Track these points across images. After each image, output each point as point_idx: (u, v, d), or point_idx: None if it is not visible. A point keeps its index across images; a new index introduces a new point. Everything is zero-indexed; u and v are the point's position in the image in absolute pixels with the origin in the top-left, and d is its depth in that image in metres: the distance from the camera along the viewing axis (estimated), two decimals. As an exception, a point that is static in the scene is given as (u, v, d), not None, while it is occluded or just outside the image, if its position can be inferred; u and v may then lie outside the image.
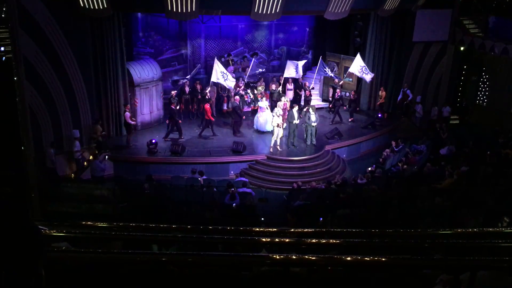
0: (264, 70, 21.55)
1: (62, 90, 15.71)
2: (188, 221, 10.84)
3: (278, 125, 16.85)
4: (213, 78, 17.81)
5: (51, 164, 15.16)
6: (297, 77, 19.87)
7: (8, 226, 2.75)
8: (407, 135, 19.32)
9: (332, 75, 19.86)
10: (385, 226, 7.93)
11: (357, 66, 18.77)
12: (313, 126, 17.53)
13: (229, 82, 17.91)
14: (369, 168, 16.13)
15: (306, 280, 4.08)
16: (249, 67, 20.84)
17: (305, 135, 17.80)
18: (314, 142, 17.79)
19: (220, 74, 17.56)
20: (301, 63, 19.66)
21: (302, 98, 20.01)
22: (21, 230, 2.79)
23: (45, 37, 14.93)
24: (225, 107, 19.77)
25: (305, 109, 18.05)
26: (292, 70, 19.37)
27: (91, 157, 16.32)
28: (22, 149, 11.51)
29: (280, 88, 19.74)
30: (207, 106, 17.82)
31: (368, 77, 18.97)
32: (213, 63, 20.49)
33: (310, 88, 19.82)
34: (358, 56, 19.03)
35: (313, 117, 17.40)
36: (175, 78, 20.51)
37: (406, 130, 20.27)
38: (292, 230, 6.51)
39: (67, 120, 16.11)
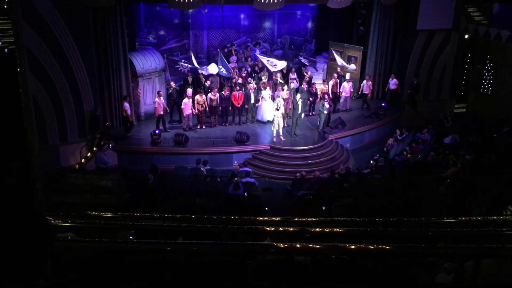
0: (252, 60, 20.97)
1: (65, 81, 15.71)
2: (192, 211, 10.90)
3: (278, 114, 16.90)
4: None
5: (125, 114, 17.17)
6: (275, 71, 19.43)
7: (15, 217, 2.77)
8: (411, 124, 19.26)
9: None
10: (389, 215, 7.93)
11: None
12: (325, 113, 17.78)
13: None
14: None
15: (311, 268, 4.10)
16: (250, 57, 20.73)
17: (318, 122, 18.19)
18: (323, 128, 18.03)
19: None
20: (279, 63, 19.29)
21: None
22: (27, 221, 2.81)
23: (48, 28, 14.89)
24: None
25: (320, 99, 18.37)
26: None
27: (95, 148, 16.36)
28: (26, 141, 11.56)
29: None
30: (235, 93, 18.01)
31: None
32: (215, 53, 20.42)
33: (307, 79, 19.67)
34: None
35: (326, 104, 17.74)
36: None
37: (410, 119, 20.18)
38: (296, 219, 6.53)
39: (70, 111, 16.13)
